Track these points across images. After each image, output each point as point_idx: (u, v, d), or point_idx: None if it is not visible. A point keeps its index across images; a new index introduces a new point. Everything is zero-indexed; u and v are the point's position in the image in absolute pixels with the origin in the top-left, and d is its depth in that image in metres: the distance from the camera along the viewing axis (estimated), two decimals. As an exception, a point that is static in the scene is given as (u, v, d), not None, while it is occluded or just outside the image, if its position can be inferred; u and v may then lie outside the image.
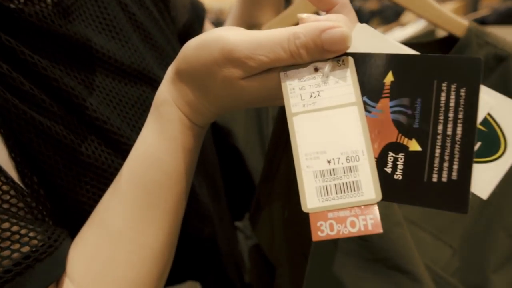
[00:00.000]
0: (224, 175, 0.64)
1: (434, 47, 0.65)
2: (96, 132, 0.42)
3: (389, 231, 0.47)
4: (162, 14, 0.58)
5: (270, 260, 0.64)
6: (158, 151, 0.38)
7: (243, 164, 0.67)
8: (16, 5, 0.39)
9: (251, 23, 0.70)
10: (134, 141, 0.41)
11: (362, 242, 0.48)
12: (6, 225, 0.33)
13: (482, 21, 1.21)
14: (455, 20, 0.60)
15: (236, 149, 0.67)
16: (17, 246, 0.33)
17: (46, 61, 0.39)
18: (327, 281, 0.50)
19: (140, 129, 0.42)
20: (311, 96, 0.32)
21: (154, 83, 0.49)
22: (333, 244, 0.49)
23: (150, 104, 0.44)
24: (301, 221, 0.52)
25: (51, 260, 0.35)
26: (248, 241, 0.68)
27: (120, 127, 0.44)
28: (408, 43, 0.62)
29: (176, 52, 0.56)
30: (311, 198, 0.29)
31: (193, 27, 0.67)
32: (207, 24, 0.72)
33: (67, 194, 0.40)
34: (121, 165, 0.40)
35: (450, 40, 0.61)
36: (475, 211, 0.58)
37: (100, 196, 0.40)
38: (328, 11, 0.34)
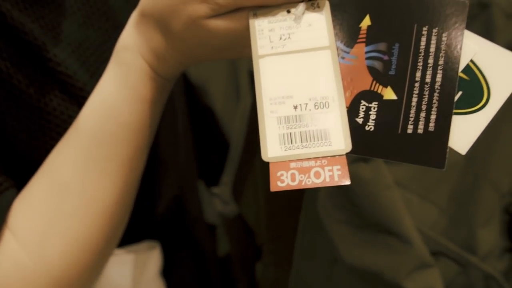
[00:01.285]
0: (198, 138, 0.62)
1: None
2: (48, 74, 0.40)
3: (379, 195, 0.48)
4: None
5: (256, 234, 0.64)
6: (115, 101, 0.35)
7: (218, 127, 0.66)
8: None
9: None
10: (92, 88, 0.38)
11: (353, 208, 0.49)
12: None
13: None
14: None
15: (211, 111, 0.66)
16: None
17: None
18: (320, 252, 0.50)
19: (100, 77, 0.39)
20: (280, 38, 0.29)
21: (118, 29, 0.47)
22: (323, 214, 0.49)
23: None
24: (287, 192, 0.51)
25: None
26: (226, 207, 0.67)
27: (76, 72, 0.41)
28: None
29: None
30: (272, 146, 0.27)
31: None
32: None
33: (13, 141, 0.38)
34: (76, 113, 0.38)
35: None
36: (461, 167, 0.58)
37: (52, 146, 0.38)
38: None
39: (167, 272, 0.54)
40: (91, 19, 0.45)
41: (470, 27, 0.59)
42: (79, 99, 0.40)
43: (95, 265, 0.38)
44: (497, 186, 0.56)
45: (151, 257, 0.52)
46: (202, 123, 0.65)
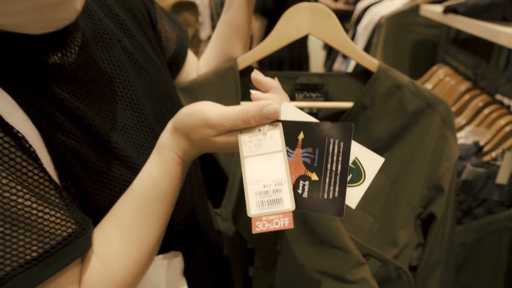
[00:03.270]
0: (205, 176, 0.85)
1: (359, 76, 0.87)
2: (109, 151, 0.58)
3: (328, 224, 0.69)
4: (155, 49, 0.75)
5: (248, 241, 0.86)
6: (157, 177, 0.56)
7: (221, 169, 0.88)
8: (55, 60, 0.54)
9: (227, 56, 0.89)
10: (139, 161, 0.59)
11: (312, 233, 0.70)
12: (58, 215, 0.49)
13: (455, 10, 1.37)
14: (370, 60, 0.82)
15: (216, 159, 0.88)
16: (64, 228, 0.49)
17: (76, 102, 0.55)
18: (293, 259, 0.71)
19: (141, 149, 0.61)
20: (255, 146, 0.51)
21: (140, 111, 0.66)
22: (294, 235, 0.70)
23: (145, 127, 0.62)
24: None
25: (84, 238, 0.51)
26: (225, 223, 0.88)
27: (127, 150, 0.60)
28: (342, 73, 0.83)
29: (164, 78, 0.73)
30: (253, 208, 0.48)
31: (179, 55, 0.86)
32: (189, 52, 0.91)
33: (88, 195, 0.56)
34: (129, 177, 0.58)
35: (368, 72, 0.83)
36: (388, 189, 0.82)
37: (112, 198, 0.57)
38: (266, 92, 0.54)
39: (190, 271, 0.73)
40: (131, 103, 0.65)
41: (390, 100, 0.83)
42: (131, 169, 0.60)
43: (142, 275, 0.57)
44: (410, 202, 0.79)
45: (175, 262, 0.69)
46: (211, 166, 0.87)
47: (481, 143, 1.24)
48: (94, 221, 0.56)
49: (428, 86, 1.69)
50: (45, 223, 0.48)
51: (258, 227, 0.48)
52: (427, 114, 0.79)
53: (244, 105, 0.51)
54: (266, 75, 0.80)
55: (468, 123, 1.38)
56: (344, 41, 0.81)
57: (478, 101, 1.38)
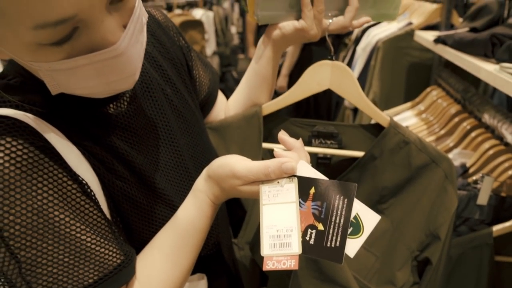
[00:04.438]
0: (228, 207, 0.94)
1: (371, 129, 0.96)
2: (153, 191, 0.67)
3: (334, 265, 0.78)
4: (190, 93, 0.85)
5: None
6: (192, 217, 0.65)
7: (241, 204, 0.98)
8: (111, 111, 0.63)
9: (253, 101, 0.99)
10: (178, 200, 0.68)
11: (320, 271, 0.78)
12: (111, 248, 0.57)
13: (444, 41, 1.47)
14: (383, 117, 0.91)
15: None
16: (115, 259, 0.58)
17: (129, 148, 0.64)
18: None
19: (178, 187, 0.70)
20: (273, 195, 0.60)
21: (178, 153, 0.75)
22: (305, 271, 0.78)
23: (182, 167, 0.71)
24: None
25: (129, 267, 0.59)
26: (241, 252, 0.96)
27: (168, 189, 0.70)
28: (356, 125, 0.92)
29: (197, 120, 0.83)
30: (266, 249, 0.55)
31: (211, 97, 0.96)
32: (219, 93, 1.01)
33: (133, 228, 0.64)
34: (168, 214, 0.67)
35: (380, 126, 0.92)
36: (390, 233, 0.90)
37: (154, 230, 0.67)
38: (290, 149, 0.63)
39: None
40: (171, 146, 0.74)
41: (398, 153, 0.93)
42: (170, 206, 0.70)
43: None
44: (408, 247, 0.88)
45: (201, 284, 0.77)
46: (233, 200, 0.97)
47: (467, 165, 1.34)
48: (136, 250, 0.65)
49: (421, 107, 1.82)
50: (101, 255, 0.57)
51: (268, 266, 0.56)
52: (431, 168, 0.87)
53: (267, 161, 0.60)
54: (288, 121, 0.90)
55: (456, 145, 1.49)
56: (360, 98, 0.90)
57: (467, 124, 1.49)
